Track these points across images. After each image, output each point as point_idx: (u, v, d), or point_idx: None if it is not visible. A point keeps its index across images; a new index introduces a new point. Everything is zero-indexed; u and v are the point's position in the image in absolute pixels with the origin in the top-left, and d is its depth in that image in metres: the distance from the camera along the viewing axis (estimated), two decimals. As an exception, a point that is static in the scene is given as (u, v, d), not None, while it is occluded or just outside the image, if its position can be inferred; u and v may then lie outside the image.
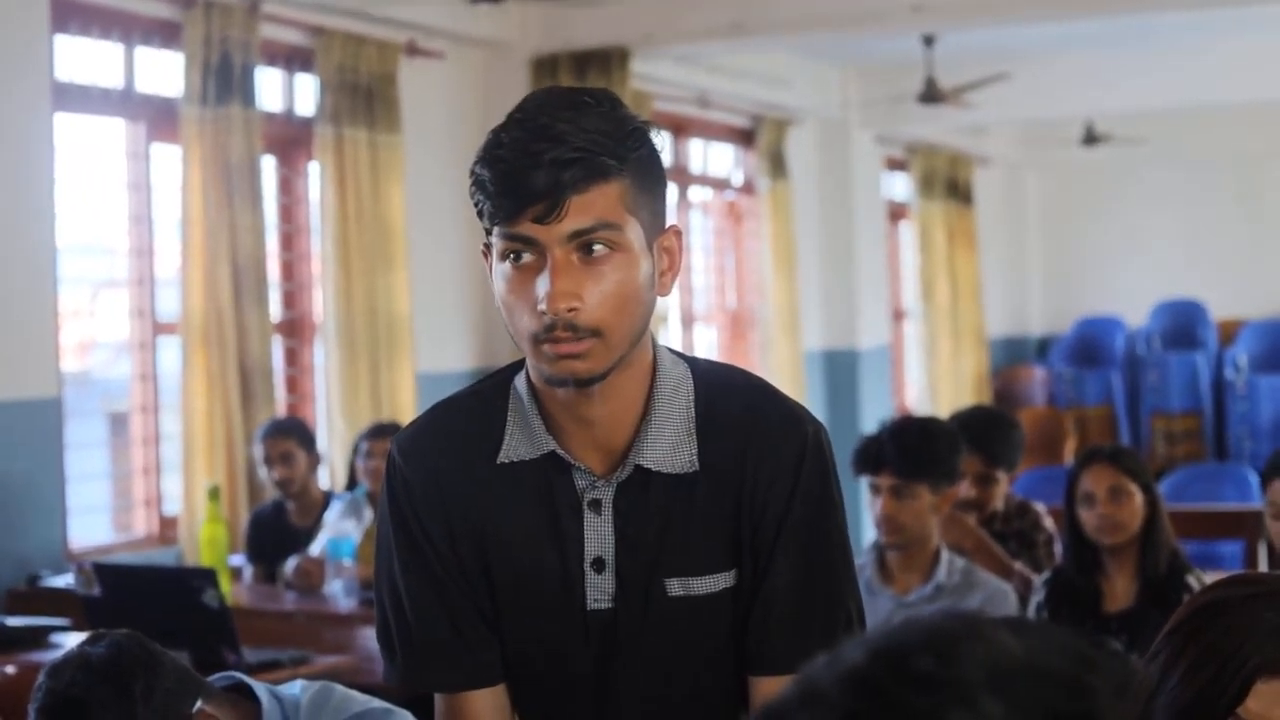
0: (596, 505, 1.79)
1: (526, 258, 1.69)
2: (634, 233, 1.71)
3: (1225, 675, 1.50)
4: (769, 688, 1.80)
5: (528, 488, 1.80)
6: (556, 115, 1.67)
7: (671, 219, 1.80)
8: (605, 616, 1.80)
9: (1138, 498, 3.71)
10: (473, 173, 1.70)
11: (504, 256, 1.70)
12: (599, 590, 1.80)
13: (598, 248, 1.68)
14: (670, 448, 1.78)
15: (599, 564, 1.79)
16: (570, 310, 1.67)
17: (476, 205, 1.71)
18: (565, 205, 1.66)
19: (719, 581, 1.79)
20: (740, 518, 1.78)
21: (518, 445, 1.80)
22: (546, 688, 1.85)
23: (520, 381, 1.82)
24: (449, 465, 1.82)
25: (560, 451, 1.79)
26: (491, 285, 1.75)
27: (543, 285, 1.67)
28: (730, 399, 1.81)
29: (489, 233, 1.72)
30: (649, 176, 1.74)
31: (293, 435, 5.47)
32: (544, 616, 1.81)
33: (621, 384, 1.76)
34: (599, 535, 1.79)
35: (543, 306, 1.67)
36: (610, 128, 1.69)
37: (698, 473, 1.78)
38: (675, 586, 1.79)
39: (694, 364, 1.85)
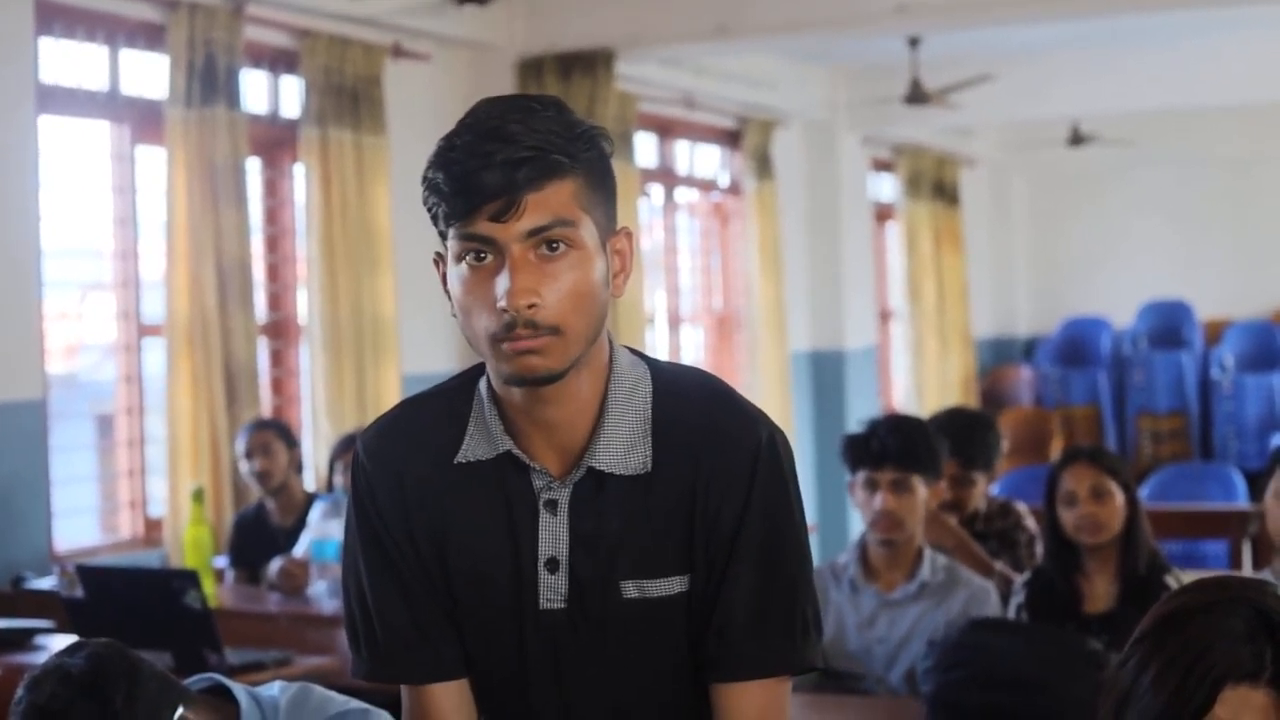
0: (552, 506, 1.79)
1: (484, 258, 1.70)
2: (588, 231, 1.72)
3: (1191, 684, 1.49)
4: (729, 694, 1.80)
5: (486, 487, 1.81)
6: (507, 118, 1.69)
7: (623, 222, 1.81)
8: (558, 617, 1.80)
9: (1119, 497, 3.73)
10: (425, 178, 1.71)
11: (460, 258, 1.71)
12: (551, 590, 1.80)
13: (555, 245, 1.69)
14: (624, 450, 1.78)
15: (553, 564, 1.79)
16: (530, 307, 1.68)
17: (430, 210, 1.72)
18: (522, 203, 1.67)
19: (674, 585, 1.80)
20: (694, 522, 1.78)
21: (477, 445, 1.81)
22: (507, 685, 1.86)
23: (484, 382, 1.83)
24: (410, 463, 1.83)
25: (517, 452, 1.79)
26: (446, 293, 1.75)
27: (502, 284, 1.68)
28: (687, 402, 1.81)
29: (444, 237, 1.73)
30: (600, 178, 1.75)
31: (272, 428, 5.50)
32: (499, 615, 1.82)
33: (577, 385, 1.77)
34: (553, 535, 1.79)
35: (503, 304, 1.68)
36: (560, 129, 1.70)
37: (651, 475, 1.78)
38: (630, 589, 1.79)
39: (654, 366, 1.85)
